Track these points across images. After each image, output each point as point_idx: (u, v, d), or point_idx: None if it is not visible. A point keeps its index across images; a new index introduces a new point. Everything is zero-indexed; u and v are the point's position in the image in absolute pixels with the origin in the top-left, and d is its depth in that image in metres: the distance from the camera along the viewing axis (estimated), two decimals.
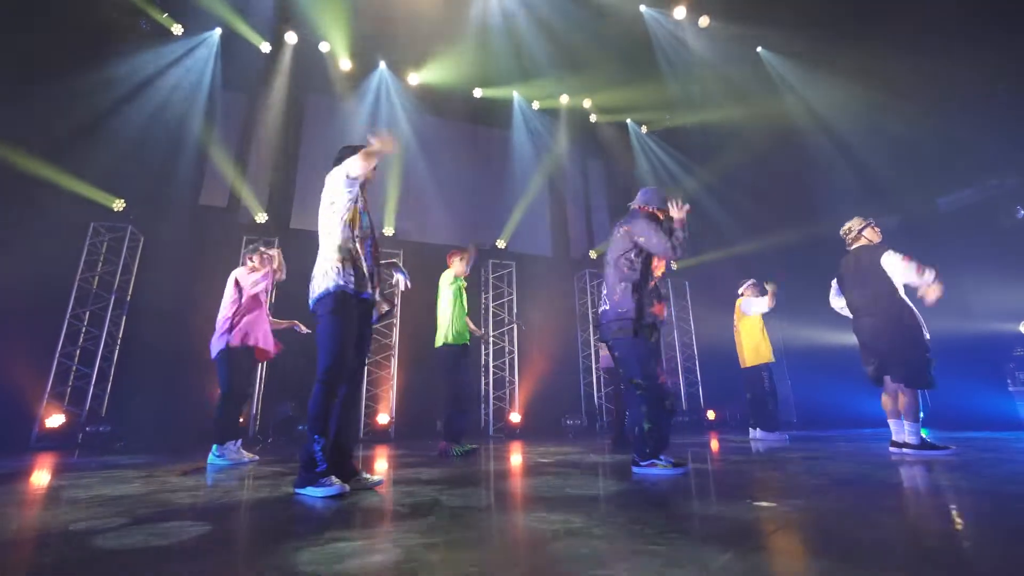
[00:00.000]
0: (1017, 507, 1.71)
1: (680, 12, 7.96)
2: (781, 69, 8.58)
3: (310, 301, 2.32)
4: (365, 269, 2.33)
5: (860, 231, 3.80)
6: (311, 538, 1.41)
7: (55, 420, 5.42)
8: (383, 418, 6.78)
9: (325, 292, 2.23)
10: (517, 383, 7.78)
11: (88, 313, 6.22)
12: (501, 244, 8.47)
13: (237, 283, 3.76)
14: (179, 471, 3.09)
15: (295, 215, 7.95)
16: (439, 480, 2.60)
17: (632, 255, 2.87)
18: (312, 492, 2.02)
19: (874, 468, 2.72)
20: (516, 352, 7.97)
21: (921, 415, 8.30)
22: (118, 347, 6.37)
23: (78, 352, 6.08)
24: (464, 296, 4.17)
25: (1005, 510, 1.65)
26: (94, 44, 6.57)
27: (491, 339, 8.02)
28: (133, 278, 6.57)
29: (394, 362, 7.22)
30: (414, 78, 8.47)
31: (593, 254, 9.49)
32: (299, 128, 8.28)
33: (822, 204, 9.32)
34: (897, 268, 3.46)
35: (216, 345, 3.65)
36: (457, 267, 4.23)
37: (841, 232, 3.93)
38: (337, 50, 8.04)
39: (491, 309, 8.16)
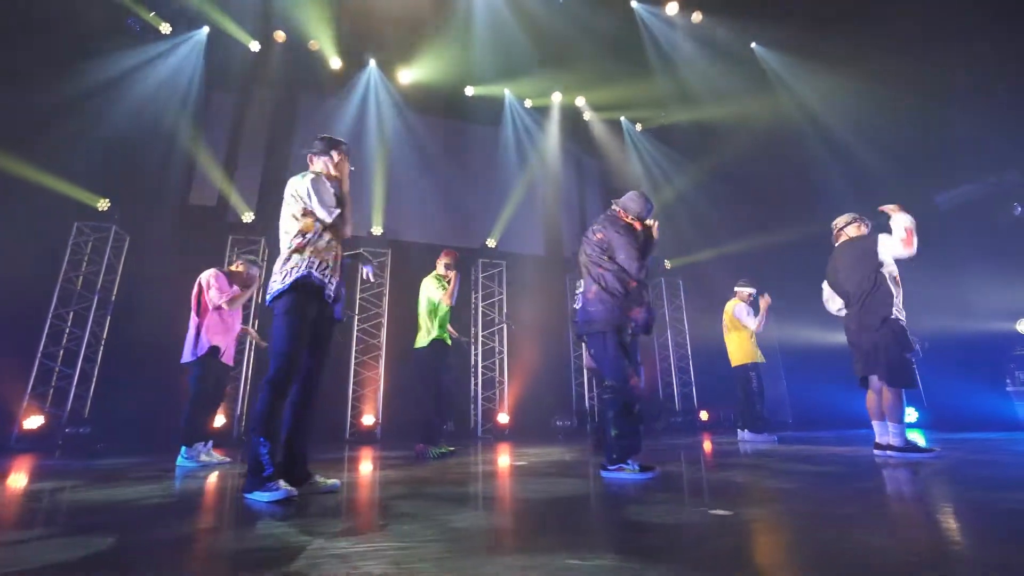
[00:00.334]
0: (985, 514, 1.61)
1: (673, 8, 7.86)
2: (775, 65, 8.47)
3: (267, 298, 2.26)
4: (327, 268, 2.28)
5: (843, 228, 3.72)
6: (228, 546, 1.34)
7: (34, 422, 5.38)
8: (368, 419, 6.71)
9: (280, 291, 2.18)
10: (507, 384, 7.70)
11: (72, 313, 6.18)
12: (491, 243, 8.39)
13: (206, 289, 3.71)
14: (140, 475, 3.03)
15: None
16: (399, 482, 2.52)
17: (605, 258, 2.82)
18: (259, 496, 1.97)
19: (851, 472, 2.63)
20: (506, 353, 7.89)
21: (916, 415, 8.13)
22: (102, 348, 6.33)
23: (61, 353, 6.04)
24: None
25: (972, 517, 1.56)
26: (79, 43, 6.53)
27: (480, 339, 7.94)
28: (118, 278, 6.53)
29: (382, 362, 7.15)
30: (404, 76, 8.40)
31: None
32: (290, 127, 8.23)
33: (818, 202, 9.19)
34: (893, 247, 3.35)
35: (187, 350, 3.64)
36: (442, 270, 4.22)
37: (831, 226, 3.84)
38: (326, 49, 7.98)
39: (480, 309, 8.08)
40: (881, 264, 3.39)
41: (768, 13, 7.72)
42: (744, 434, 5.18)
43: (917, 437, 5.37)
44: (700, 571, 1.09)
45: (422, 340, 3.99)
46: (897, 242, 3.33)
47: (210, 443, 3.76)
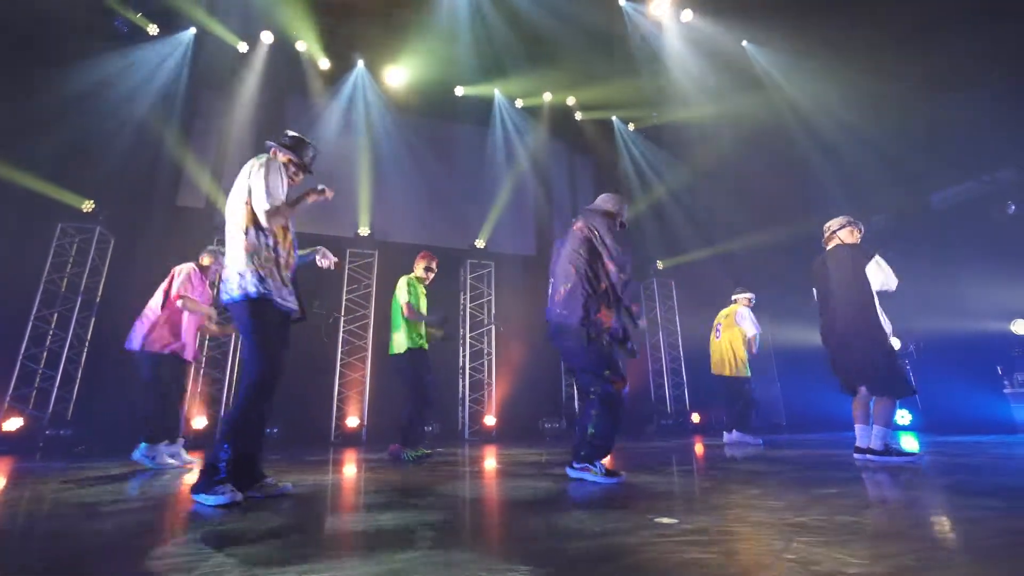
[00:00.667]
0: (944, 523, 1.55)
1: (662, 6, 7.79)
2: (767, 63, 8.40)
3: (223, 297, 2.16)
4: (279, 281, 2.18)
5: (836, 231, 3.63)
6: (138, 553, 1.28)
7: (13, 423, 5.35)
8: (353, 421, 6.66)
9: (240, 299, 2.08)
10: (494, 386, 7.64)
11: (55, 315, 6.16)
12: (480, 244, 8.33)
13: (177, 275, 3.61)
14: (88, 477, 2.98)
15: None
16: (351, 486, 2.47)
17: (583, 251, 2.68)
18: (204, 499, 1.95)
19: (820, 478, 2.56)
20: (494, 354, 7.83)
21: (910, 418, 8.01)
22: (86, 349, 6.30)
23: (44, 354, 6.02)
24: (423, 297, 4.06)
25: (929, 529, 1.49)
26: (64, 44, 6.52)
27: (468, 341, 7.89)
28: (103, 280, 6.50)
29: (368, 364, 7.11)
30: (393, 77, 8.36)
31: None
32: (278, 128, 8.17)
33: (811, 201, 9.11)
34: (880, 274, 3.34)
35: (136, 336, 3.48)
36: (421, 272, 4.11)
37: (823, 228, 3.74)
38: (314, 49, 7.96)
39: (469, 310, 8.03)
40: (868, 281, 3.36)
41: (759, 11, 7.65)
42: (733, 435, 5.14)
43: (909, 440, 5.29)
44: None
45: (399, 345, 3.87)
46: (890, 277, 3.36)
47: (180, 443, 3.64)
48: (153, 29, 7.33)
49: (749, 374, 5.36)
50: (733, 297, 5.61)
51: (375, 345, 7.15)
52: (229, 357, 6.61)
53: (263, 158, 2.21)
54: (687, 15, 7.91)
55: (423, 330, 3.92)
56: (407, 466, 3.42)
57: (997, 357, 7.23)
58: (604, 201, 2.92)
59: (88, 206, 6.45)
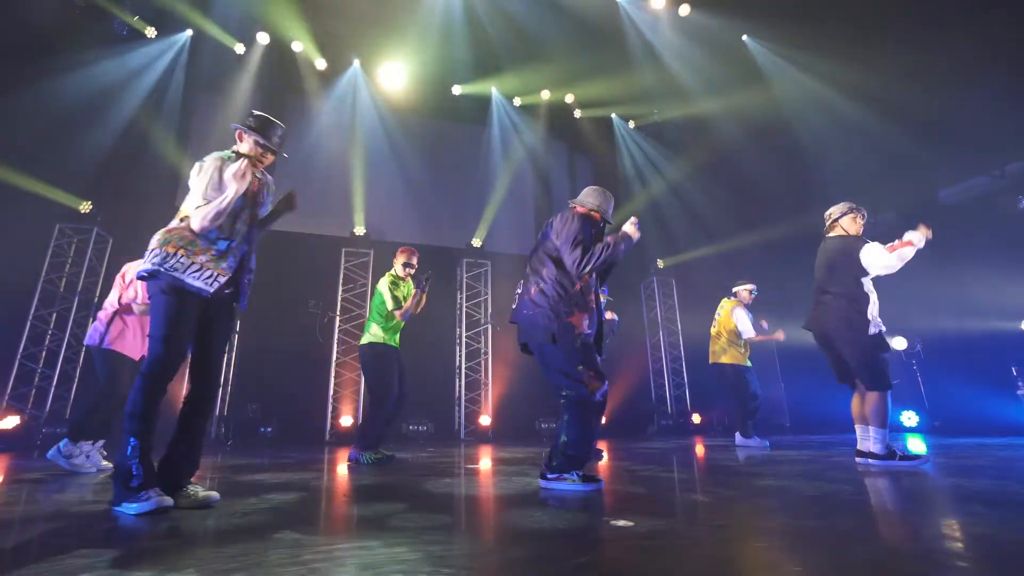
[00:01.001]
0: (939, 538, 1.46)
1: (659, 1, 7.68)
2: (769, 57, 8.24)
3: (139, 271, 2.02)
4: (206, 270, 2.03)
5: (837, 219, 3.45)
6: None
7: (9, 422, 5.42)
8: (347, 420, 6.65)
9: (146, 272, 1.96)
10: (491, 385, 7.59)
11: (54, 314, 6.24)
12: (477, 243, 8.29)
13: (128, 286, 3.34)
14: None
15: None
16: (293, 486, 2.41)
17: (553, 253, 2.54)
18: (127, 509, 1.76)
19: (806, 484, 2.47)
20: (490, 354, 7.78)
21: (916, 420, 7.77)
22: (83, 349, 6.37)
23: (43, 353, 6.09)
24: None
25: (917, 544, 1.40)
26: (61, 47, 6.59)
27: (465, 340, 7.85)
28: (100, 280, 6.57)
29: None
30: (389, 76, 8.35)
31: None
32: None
33: (814, 197, 8.92)
34: (878, 260, 3.15)
35: (94, 332, 3.27)
36: (400, 271, 3.95)
37: (824, 216, 3.56)
38: (310, 50, 7.98)
39: (465, 309, 7.99)
40: (863, 271, 3.20)
41: (759, 4, 7.51)
42: (737, 438, 4.94)
43: (916, 443, 5.11)
44: None
45: (374, 336, 3.73)
46: (882, 252, 3.12)
47: (100, 444, 3.35)
48: (151, 32, 7.39)
49: (742, 364, 5.11)
50: (734, 289, 5.41)
51: None
52: (226, 355, 6.62)
53: (206, 159, 2.11)
54: (685, 9, 7.78)
55: (394, 330, 3.80)
56: (364, 469, 3.31)
57: (1009, 357, 7.02)
58: (587, 195, 2.78)
59: (86, 207, 6.52)
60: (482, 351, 7.86)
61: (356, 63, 8.28)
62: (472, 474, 3.09)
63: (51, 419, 5.85)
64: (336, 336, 7.20)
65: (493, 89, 9.02)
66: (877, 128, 7.79)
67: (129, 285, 3.30)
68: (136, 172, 7.05)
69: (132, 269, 3.38)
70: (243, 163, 2.07)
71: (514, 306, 2.70)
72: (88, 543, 1.41)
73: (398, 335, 3.82)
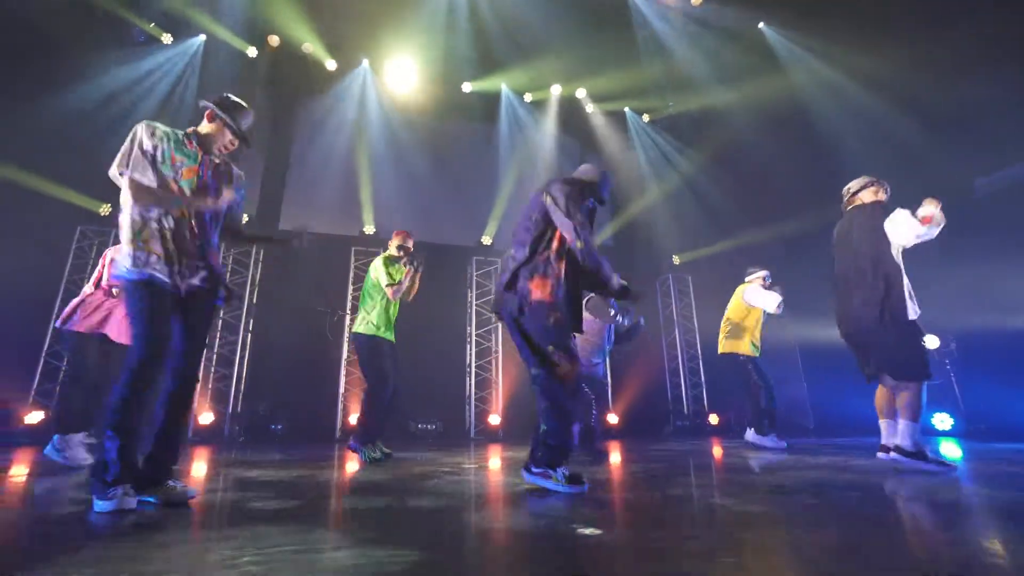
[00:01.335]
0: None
1: None
2: (787, 45, 7.93)
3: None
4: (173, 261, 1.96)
5: (857, 192, 3.17)
6: None
7: (34, 417, 5.62)
8: (355, 418, 6.67)
9: (119, 275, 1.93)
10: (501, 384, 7.52)
11: None
12: (487, 240, 8.23)
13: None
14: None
15: (284, 216, 8.02)
16: (265, 485, 2.38)
17: (536, 217, 2.41)
18: (95, 505, 1.72)
19: (811, 488, 2.31)
20: (500, 352, 7.71)
21: (951, 423, 7.32)
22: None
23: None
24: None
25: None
26: (82, 54, 6.82)
27: (475, 339, 7.80)
28: None
29: None
30: (398, 75, 8.38)
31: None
32: (288, 130, 8.37)
33: (838, 188, 8.55)
34: (907, 227, 2.79)
35: (66, 312, 3.22)
36: (394, 251, 3.89)
37: (842, 192, 3.28)
38: (320, 51, 8.07)
39: (475, 307, 7.94)
40: (888, 244, 2.84)
41: None
42: (749, 434, 4.65)
43: (950, 447, 4.78)
44: None
45: (366, 326, 3.68)
46: (911, 219, 2.76)
47: (82, 435, 3.23)
48: (167, 38, 7.59)
49: (755, 353, 4.77)
50: (747, 279, 5.13)
51: None
52: (237, 353, 6.75)
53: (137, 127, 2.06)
54: None
55: (388, 320, 3.76)
56: (357, 465, 3.26)
57: None
58: (580, 171, 2.67)
59: (105, 210, 6.73)
60: (492, 349, 7.80)
61: (365, 63, 8.32)
62: (466, 473, 3.02)
63: None
64: (346, 334, 7.24)
65: (503, 85, 8.95)
66: (907, 115, 7.40)
67: (106, 267, 3.29)
68: None
69: (111, 251, 3.38)
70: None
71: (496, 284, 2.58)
72: (31, 539, 1.39)
73: (392, 330, 3.78)
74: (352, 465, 3.36)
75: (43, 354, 6.12)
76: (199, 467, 3.37)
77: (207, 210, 2.05)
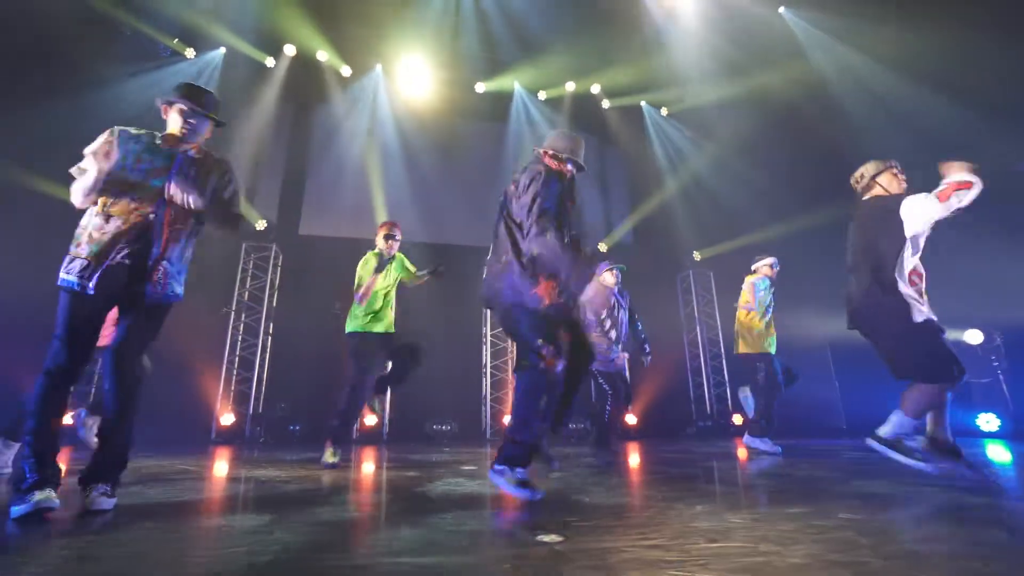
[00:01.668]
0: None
1: None
2: (811, 28, 7.58)
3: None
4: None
5: (874, 177, 2.84)
6: None
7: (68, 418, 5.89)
8: (371, 419, 6.74)
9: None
10: None
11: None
12: None
13: None
14: None
15: (304, 221, 8.20)
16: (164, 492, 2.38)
17: (523, 213, 2.28)
18: (12, 511, 1.63)
19: (792, 491, 2.18)
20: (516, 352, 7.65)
21: (998, 423, 6.81)
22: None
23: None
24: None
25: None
26: (112, 72, 7.13)
27: (490, 339, 7.77)
28: None
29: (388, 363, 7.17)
30: (411, 79, 8.43)
31: (603, 246, 8.94)
32: (305, 136, 8.55)
33: None
34: (926, 207, 2.47)
35: None
36: (383, 244, 3.78)
37: (851, 181, 2.95)
38: (334, 59, 8.23)
39: None
40: (904, 238, 2.54)
41: None
42: (745, 437, 4.40)
43: (997, 450, 4.42)
44: None
45: (350, 322, 3.65)
46: (928, 197, 2.45)
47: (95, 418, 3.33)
48: (190, 53, 7.86)
49: (770, 351, 4.49)
50: (753, 267, 4.89)
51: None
52: (257, 356, 6.92)
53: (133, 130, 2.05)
54: None
55: (373, 314, 3.64)
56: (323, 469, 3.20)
57: None
58: (554, 139, 2.52)
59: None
60: (508, 350, 7.74)
61: (378, 68, 8.42)
62: (440, 474, 2.98)
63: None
64: None
65: (516, 84, 8.89)
66: (943, 93, 6.94)
67: None
68: None
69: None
70: (101, 139, 1.97)
71: (485, 276, 2.44)
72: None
73: (381, 320, 3.64)
74: (355, 469, 3.37)
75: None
76: (221, 467, 3.45)
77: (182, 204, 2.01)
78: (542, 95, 9.16)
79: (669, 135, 9.53)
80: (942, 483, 2.35)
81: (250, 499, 2.20)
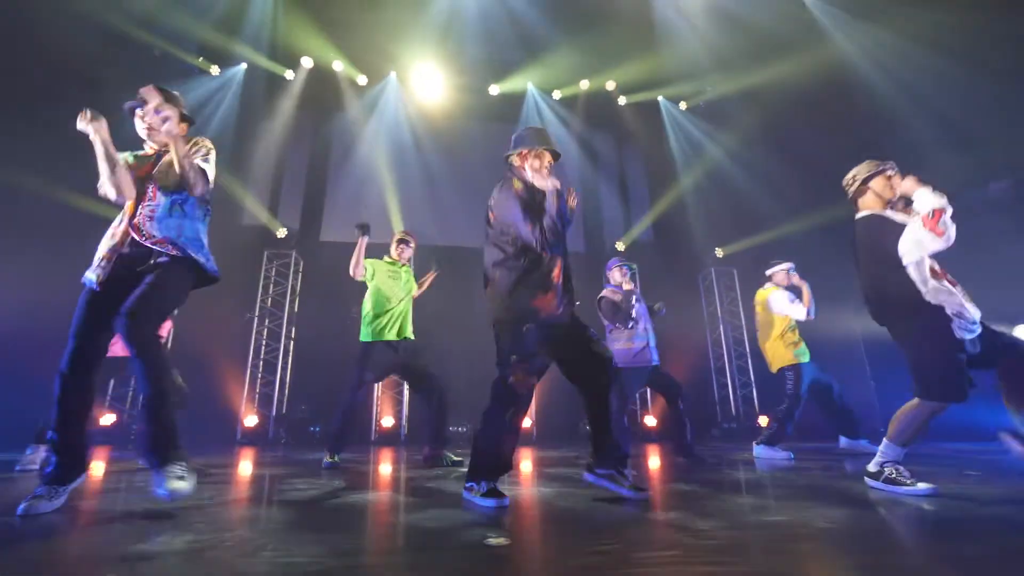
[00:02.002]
0: None
1: None
2: (833, 11, 7.25)
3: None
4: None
5: (865, 181, 2.50)
6: None
7: (107, 419, 6.25)
8: (388, 421, 6.86)
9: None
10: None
11: None
12: None
13: None
14: None
15: (324, 228, 8.43)
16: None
17: (499, 234, 2.32)
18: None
19: (773, 502, 2.07)
20: None
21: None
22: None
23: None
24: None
25: None
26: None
27: None
28: None
29: None
30: (425, 84, 8.55)
31: (620, 245, 8.80)
32: (325, 145, 8.79)
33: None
34: (927, 246, 2.23)
35: None
36: (394, 253, 4.13)
37: (843, 184, 2.62)
38: (350, 69, 8.44)
39: None
40: (901, 263, 2.29)
41: None
42: (759, 447, 4.17)
43: None
44: None
45: (362, 334, 3.82)
46: (924, 231, 2.21)
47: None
48: (215, 70, 8.21)
49: (797, 360, 4.27)
50: (767, 272, 4.57)
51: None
52: (280, 360, 7.15)
53: None
54: None
55: (386, 321, 3.79)
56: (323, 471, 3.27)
57: None
58: (516, 138, 2.54)
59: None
60: None
61: (393, 75, 8.57)
62: (428, 481, 2.98)
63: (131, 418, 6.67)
64: None
65: (529, 84, 8.87)
66: (981, 81, 6.50)
67: None
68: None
69: None
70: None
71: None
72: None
73: (391, 329, 3.77)
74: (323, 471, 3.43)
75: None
76: (246, 467, 3.58)
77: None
78: (556, 94, 9.12)
79: (687, 130, 9.30)
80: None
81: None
